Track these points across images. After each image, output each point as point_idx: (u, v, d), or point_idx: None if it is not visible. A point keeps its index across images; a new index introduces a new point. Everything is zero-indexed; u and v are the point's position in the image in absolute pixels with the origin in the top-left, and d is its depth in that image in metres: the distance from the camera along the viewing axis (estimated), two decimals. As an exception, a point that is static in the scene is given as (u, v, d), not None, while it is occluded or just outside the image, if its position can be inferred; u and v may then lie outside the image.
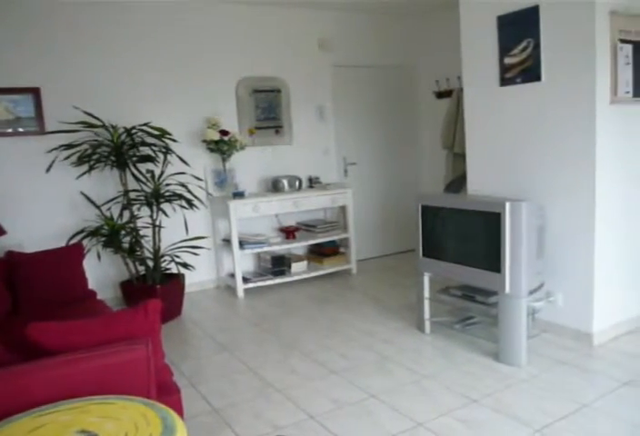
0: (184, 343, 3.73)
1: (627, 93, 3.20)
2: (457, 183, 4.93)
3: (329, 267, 5.22)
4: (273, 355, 3.41)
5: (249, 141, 5.01)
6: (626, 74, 3.18)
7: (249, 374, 3.14)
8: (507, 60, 3.44)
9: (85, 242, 3.85)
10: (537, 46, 3.25)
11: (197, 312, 4.37)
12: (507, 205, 2.88)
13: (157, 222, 4.21)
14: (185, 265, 4.28)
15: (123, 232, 4.13)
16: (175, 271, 4.41)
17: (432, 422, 2.48)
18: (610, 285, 3.29)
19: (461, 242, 3.30)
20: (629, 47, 3.17)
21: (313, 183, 5.34)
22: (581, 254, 3.24)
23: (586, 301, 3.24)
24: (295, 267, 5.09)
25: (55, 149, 4.00)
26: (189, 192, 4.25)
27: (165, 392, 2.05)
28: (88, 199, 4.22)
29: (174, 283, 4.26)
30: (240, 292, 4.73)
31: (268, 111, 5.20)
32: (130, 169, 4.08)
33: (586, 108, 3.08)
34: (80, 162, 3.97)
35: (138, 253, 4.20)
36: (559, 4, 3.11)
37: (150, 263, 4.21)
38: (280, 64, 5.23)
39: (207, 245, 4.86)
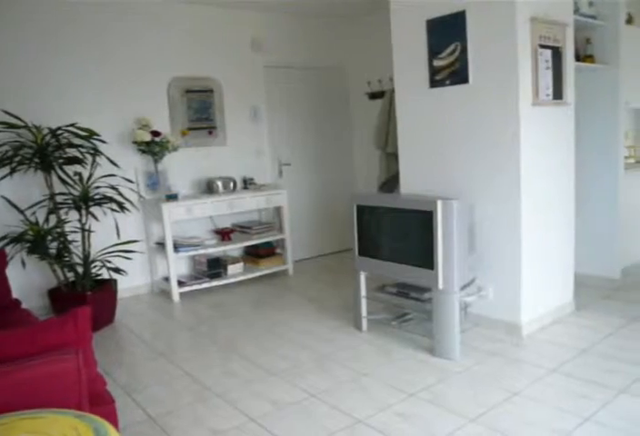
0: (117, 351, 3.61)
1: (548, 95, 3.37)
2: (391, 182, 5.03)
3: (266, 268, 5.20)
4: (211, 359, 3.36)
5: (182, 142, 4.92)
6: (547, 78, 3.34)
7: (187, 379, 3.09)
8: (436, 62, 3.54)
9: (7, 249, 3.65)
10: (465, 50, 3.36)
11: (131, 318, 4.25)
12: (439, 203, 2.96)
13: (87, 227, 4.06)
14: (117, 270, 4.15)
15: (49, 237, 3.96)
16: (106, 276, 4.27)
17: (371, 418, 2.52)
18: (536, 278, 3.45)
19: (395, 240, 3.37)
20: (548, 52, 3.33)
21: (247, 184, 5.30)
22: (509, 249, 3.37)
23: (515, 294, 3.38)
24: (232, 269, 5.03)
25: (-27, 151, 3.79)
26: (120, 194, 4.13)
27: (99, 403, 1.98)
28: (10, 203, 4.01)
29: (105, 289, 4.12)
30: (175, 296, 4.64)
31: (201, 111, 5.12)
32: (56, 171, 3.91)
33: (511, 110, 3.21)
34: (1, 164, 3.78)
35: (67, 259, 4.04)
36: (484, 10, 3.23)
37: (80, 269, 4.05)
38: (213, 65, 5.16)
39: (140, 249, 4.72)
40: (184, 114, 5.01)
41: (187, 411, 2.71)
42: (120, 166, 4.32)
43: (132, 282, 4.80)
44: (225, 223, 5.28)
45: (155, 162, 4.67)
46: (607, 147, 4.22)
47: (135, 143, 4.57)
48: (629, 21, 4.61)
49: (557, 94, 3.45)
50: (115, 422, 2.03)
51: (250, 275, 5.08)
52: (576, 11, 3.78)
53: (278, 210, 5.35)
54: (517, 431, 2.33)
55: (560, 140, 3.55)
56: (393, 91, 4.06)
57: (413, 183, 3.88)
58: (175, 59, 4.94)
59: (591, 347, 3.17)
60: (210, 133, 5.20)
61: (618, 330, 3.41)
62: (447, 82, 3.51)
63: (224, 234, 5.09)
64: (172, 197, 4.64)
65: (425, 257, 3.09)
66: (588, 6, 3.97)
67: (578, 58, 3.97)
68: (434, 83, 3.59)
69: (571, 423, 2.37)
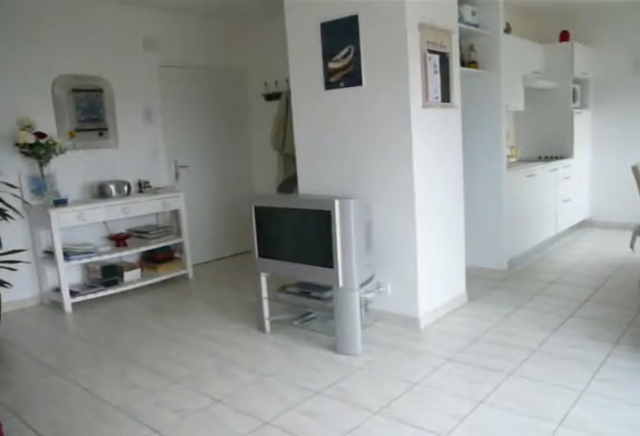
0: (2, 370, 3.35)
1: (436, 98, 3.54)
2: (289, 183, 5.06)
3: (164, 274, 5.05)
4: (109, 372, 3.21)
5: (70, 144, 4.66)
6: (435, 82, 3.51)
7: (83, 395, 2.92)
8: (331, 65, 3.61)
9: None
10: (358, 53, 3.44)
11: (18, 334, 3.96)
12: (337, 203, 3.02)
13: (-37, 236, 3.75)
14: (0, 283, 3.85)
15: None
16: (-12, 289, 3.96)
17: (278, 419, 2.52)
18: (431, 273, 3.61)
19: (295, 240, 3.39)
20: (436, 57, 3.50)
21: (142, 187, 5.12)
22: (405, 247, 3.50)
23: (412, 289, 3.52)
24: (128, 276, 4.84)
25: None
26: (1, 201, 3.84)
27: (-17, 426, 1.83)
28: None
29: (-13, 303, 3.81)
30: (68, 307, 4.38)
31: (90, 112, 4.87)
32: None
33: (403, 112, 3.34)
34: None
35: (-60, 273, 3.70)
36: (375, 15, 3.33)
37: (-44, 283, 3.73)
38: (102, 63, 4.93)
39: (26, 259, 4.42)
40: (71, 115, 4.75)
41: (85, 428, 2.57)
42: (0, 171, 4.02)
43: (18, 294, 4.47)
44: (120, 229, 5.07)
45: (41, 165, 4.38)
46: (491, 147, 4.51)
47: (17, 145, 4.27)
48: (507, 30, 4.97)
49: (445, 97, 3.63)
50: (2, 446, 1.89)
51: (148, 281, 4.91)
52: (461, 19, 4.00)
53: (175, 213, 5.22)
54: (418, 419, 2.43)
55: (449, 141, 3.75)
56: (289, 92, 4.09)
57: (311, 184, 3.93)
58: (61, 56, 4.66)
59: (482, 335, 3.37)
60: (101, 134, 4.96)
61: (505, 318, 3.65)
62: (342, 84, 3.58)
63: (119, 240, 4.88)
64: (61, 202, 4.38)
65: (325, 256, 3.14)
66: (471, 15, 4.22)
67: (463, 64, 4.20)
68: (329, 84, 3.66)
69: (466, 407, 2.51)
